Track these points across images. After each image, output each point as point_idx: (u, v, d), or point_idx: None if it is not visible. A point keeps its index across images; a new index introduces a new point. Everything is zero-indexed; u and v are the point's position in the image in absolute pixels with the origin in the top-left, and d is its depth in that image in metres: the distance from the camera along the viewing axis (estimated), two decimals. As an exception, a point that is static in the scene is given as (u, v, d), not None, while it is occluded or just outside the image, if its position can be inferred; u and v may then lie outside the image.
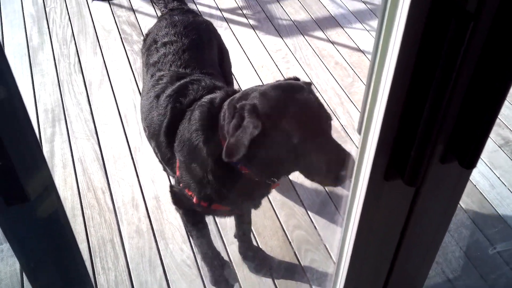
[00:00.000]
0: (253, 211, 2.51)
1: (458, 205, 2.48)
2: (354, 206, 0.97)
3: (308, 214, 2.52)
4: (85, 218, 2.50)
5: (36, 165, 0.87)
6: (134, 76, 3.40)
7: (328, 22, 3.92)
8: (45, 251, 1.04)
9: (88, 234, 2.42)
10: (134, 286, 2.22)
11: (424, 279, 1.19)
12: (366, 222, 0.97)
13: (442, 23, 0.67)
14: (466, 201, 2.58)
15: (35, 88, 3.30)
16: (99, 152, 2.86)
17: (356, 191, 0.95)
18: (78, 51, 3.61)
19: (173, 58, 1.97)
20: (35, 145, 0.85)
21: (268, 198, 2.59)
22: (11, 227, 0.97)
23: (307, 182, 2.68)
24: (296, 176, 2.70)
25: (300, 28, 3.85)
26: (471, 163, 0.86)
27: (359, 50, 3.63)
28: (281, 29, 3.84)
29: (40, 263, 1.05)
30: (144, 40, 2.24)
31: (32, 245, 1.02)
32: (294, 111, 1.46)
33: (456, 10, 0.65)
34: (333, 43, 3.71)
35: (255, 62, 3.52)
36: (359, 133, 0.94)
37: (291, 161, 1.51)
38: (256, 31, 3.82)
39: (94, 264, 2.30)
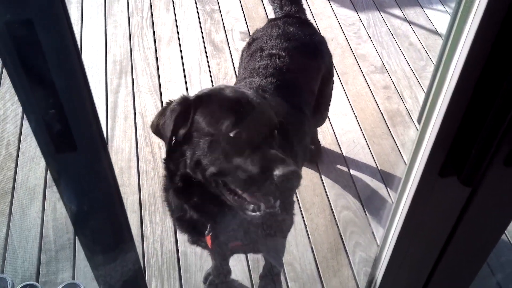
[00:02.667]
0: (302, 187, 2.49)
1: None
2: (403, 198, 0.92)
3: (359, 196, 2.46)
4: (140, 171, 2.56)
5: (87, 117, 0.88)
6: (203, 37, 3.40)
7: (408, 0, 3.73)
8: (90, 199, 1.06)
9: (141, 187, 2.49)
10: (178, 243, 2.27)
11: (469, 283, 1.13)
12: (414, 217, 0.92)
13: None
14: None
15: (107, 38, 3.37)
16: (160, 108, 2.90)
17: (408, 183, 0.90)
18: (152, 6, 3.65)
19: (272, 72, 1.85)
20: (88, 97, 0.86)
21: (320, 175, 2.55)
22: (60, 173, 1.00)
23: (362, 164, 2.62)
24: (352, 156, 2.64)
25: (377, 4, 3.69)
26: (539, 171, 0.79)
27: (436, 33, 3.45)
28: (357, 3, 3.70)
29: (83, 211, 1.08)
30: (249, 44, 2.08)
31: (77, 192, 1.04)
32: (222, 108, 1.34)
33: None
34: (410, 22, 3.54)
35: (325, 34, 3.41)
36: (419, 122, 0.86)
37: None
38: (331, 2, 3.70)
39: (142, 217, 2.37)
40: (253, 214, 1.35)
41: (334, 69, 2.26)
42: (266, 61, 1.89)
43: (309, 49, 2.02)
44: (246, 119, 1.31)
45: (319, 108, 2.21)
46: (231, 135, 1.29)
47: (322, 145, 2.67)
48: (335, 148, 2.69)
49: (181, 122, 1.38)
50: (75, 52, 0.78)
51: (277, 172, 1.23)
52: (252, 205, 1.34)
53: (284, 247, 1.97)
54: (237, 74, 2.16)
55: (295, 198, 2.42)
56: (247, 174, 1.27)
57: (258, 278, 2.14)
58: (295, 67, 1.90)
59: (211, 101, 1.37)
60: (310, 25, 2.13)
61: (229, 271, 2.13)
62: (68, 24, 0.77)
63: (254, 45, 2.02)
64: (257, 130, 1.31)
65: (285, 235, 1.82)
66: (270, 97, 1.73)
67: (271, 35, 2.00)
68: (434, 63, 3.20)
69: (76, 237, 2.23)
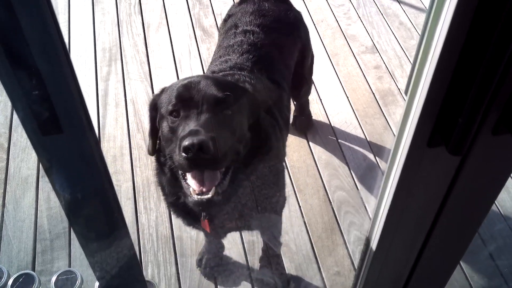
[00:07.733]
0: (296, 168, 2.49)
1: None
2: (393, 171, 0.92)
3: (352, 176, 2.47)
4: (132, 158, 2.56)
5: (71, 98, 0.87)
6: (192, 22, 3.37)
7: (397, -21, 3.71)
8: (80, 184, 1.06)
9: (134, 174, 2.48)
10: (174, 229, 2.27)
11: (461, 255, 1.13)
12: (404, 188, 0.92)
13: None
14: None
15: (95, 26, 3.34)
16: (151, 95, 2.89)
17: (397, 155, 0.90)
18: (139, -8, 3.61)
19: (248, 48, 1.85)
20: (71, 78, 0.85)
21: (313, 156, 2.55)
22: (50, 160, 0.99)
23: (355, 144, 2.62)
24: (345, 136, 2.64)
25: (366, -16, 3.67)
26: (526, 138, 0.79)
27: (426, 11, 3.43)
28: (346, -17, 3.67)
29: (75, 198, 1.07)
30: (225, 20, 2.08)
31: (67, 178, 1.03)
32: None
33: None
34: (399, 2, 3.52)
35: (315, 16, 3.41)
36: (406, 94, 0.86)
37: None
38: (320, -16, 3.68)
39: (137, 203, 2.37)
40: (191, 199, 1.37)
41: (310, 42, 2.26)
42: (240, 37, 1.89)
43: (284, 25, 2.02)
44: (183, 101, 1.36)
45: (305, 79, 2.27)
46: (169, 116, 1.37)
47: (313, 118, 2.70)
48: (328, 129, 2.69)
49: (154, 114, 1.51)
50: (56, 32, 0.77)
51: (183, 144, 1.24)
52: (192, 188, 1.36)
53: (279, 226, 1.98)
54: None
55: (288, 180, 2.43)
56: (176, 153, 1.32)
57: (259, 261, 2.15)
58: (270, 43, 1.91)
59: (166, 90, 1.45)
60: (286, 0, 2.12)
61: (222, 246, 2.14)
62: (48, 4, 0.76)
63: (229, 22, 2.02)
64: (191, 108, 1.35)
65: (278, 212, 1.83)
66: (247, 74, 1.75)
67: (246, 11, 2.00)
68: (425, 41, 3.19)
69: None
